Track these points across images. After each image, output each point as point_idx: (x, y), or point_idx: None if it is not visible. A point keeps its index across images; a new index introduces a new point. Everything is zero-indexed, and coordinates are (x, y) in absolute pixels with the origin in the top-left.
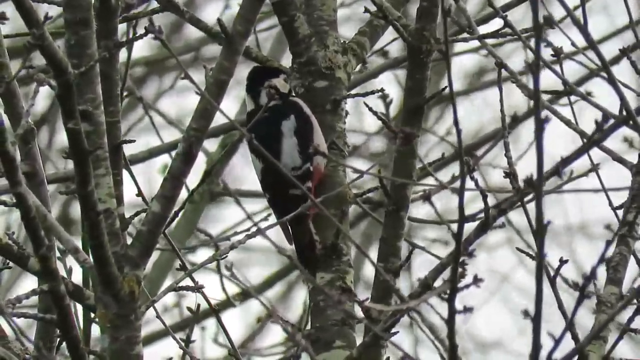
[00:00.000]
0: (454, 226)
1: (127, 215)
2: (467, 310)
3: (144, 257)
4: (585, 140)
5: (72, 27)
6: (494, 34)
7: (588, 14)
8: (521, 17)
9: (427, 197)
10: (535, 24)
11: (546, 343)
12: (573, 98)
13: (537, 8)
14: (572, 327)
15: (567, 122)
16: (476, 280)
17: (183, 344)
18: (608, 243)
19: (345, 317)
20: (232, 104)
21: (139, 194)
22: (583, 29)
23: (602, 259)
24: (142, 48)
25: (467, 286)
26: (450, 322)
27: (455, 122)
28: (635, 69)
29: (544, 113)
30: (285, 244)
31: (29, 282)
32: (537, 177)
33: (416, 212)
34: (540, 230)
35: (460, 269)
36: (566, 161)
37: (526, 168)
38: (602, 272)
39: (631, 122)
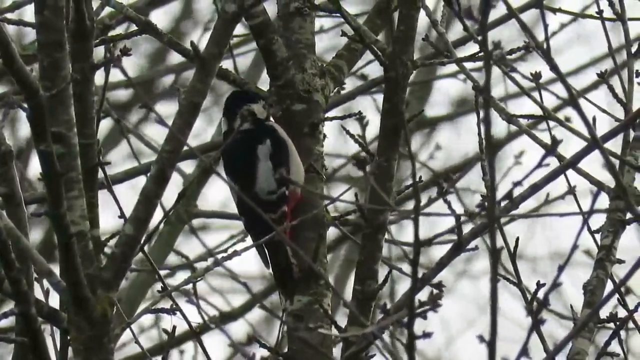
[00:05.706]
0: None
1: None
2: (426, 335)
3: (117, 279)
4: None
5: (46, 49)
6: (470, 58)
7: (570, 44)
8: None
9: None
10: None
11: None
12: (552, 124)
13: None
14: (526, 352)
15: (544, 146)
16: (434, 305)
17: None
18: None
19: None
20: (208, 126)
21: (122, 215)
22: (547, 57)
23: (553, 287)
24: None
25: (424, 311)
26: (409, 347)
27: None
28: (613, 93)
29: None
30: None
31: None
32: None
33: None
34: (495, 250)
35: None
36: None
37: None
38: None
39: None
